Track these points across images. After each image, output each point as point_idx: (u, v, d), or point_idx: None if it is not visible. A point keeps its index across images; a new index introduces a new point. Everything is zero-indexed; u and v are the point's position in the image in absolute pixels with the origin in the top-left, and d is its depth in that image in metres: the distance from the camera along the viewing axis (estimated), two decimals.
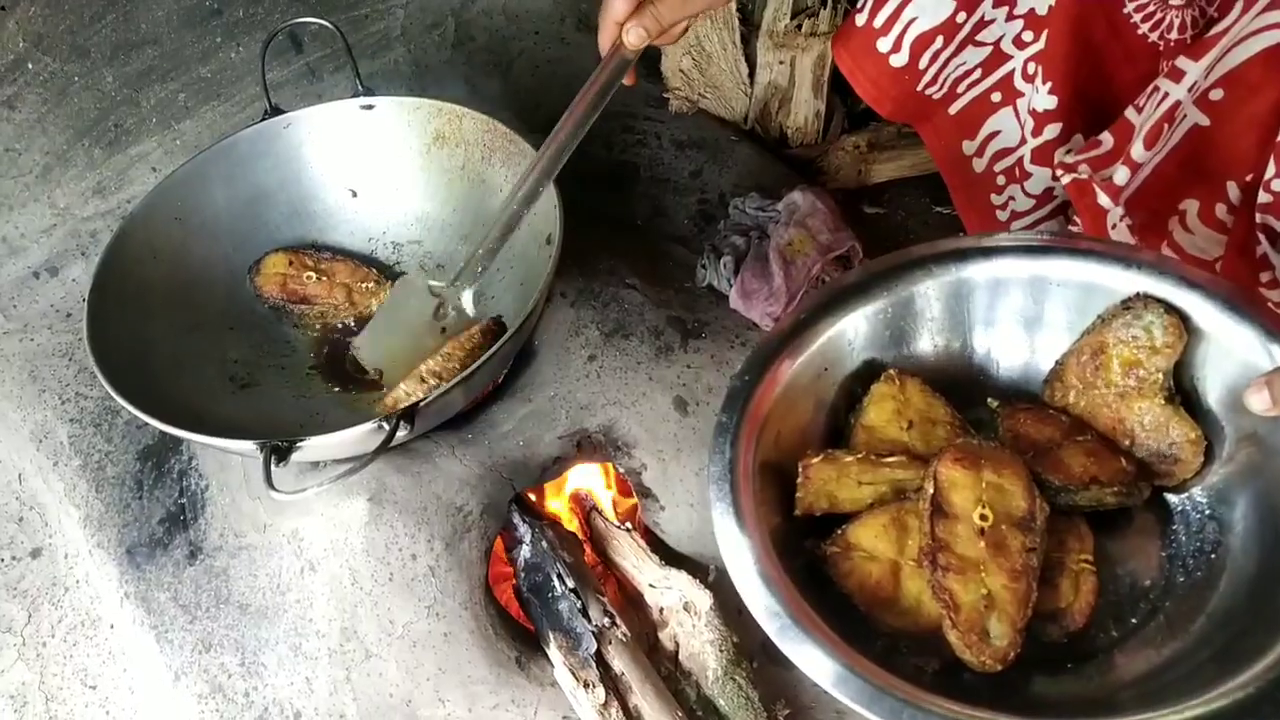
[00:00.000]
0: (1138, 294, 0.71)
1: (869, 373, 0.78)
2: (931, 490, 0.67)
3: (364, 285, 1.03)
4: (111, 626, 1.00)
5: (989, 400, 0.78)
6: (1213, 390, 0.70)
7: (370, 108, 1.05)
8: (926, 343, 0.80)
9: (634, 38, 0.80)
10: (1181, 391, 0.71)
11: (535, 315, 0.89)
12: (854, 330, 0.78)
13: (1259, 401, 0.62)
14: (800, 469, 0.71)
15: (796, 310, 0.79)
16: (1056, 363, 0.76)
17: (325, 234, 1.08)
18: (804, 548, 0.70)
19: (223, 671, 0.89)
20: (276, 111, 1.05)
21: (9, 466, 1.09)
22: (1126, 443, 0.71)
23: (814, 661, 0.59)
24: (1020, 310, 0.78)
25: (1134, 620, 0.67)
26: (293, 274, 1.02)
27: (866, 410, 0.77)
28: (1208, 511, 0.69)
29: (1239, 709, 0.53)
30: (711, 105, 1.35)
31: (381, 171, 1.08)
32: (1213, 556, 0.66)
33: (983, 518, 0.65)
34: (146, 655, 0.93)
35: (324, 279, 1.02)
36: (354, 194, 1.09)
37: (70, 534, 1.04)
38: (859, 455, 0.72)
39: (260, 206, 1.05)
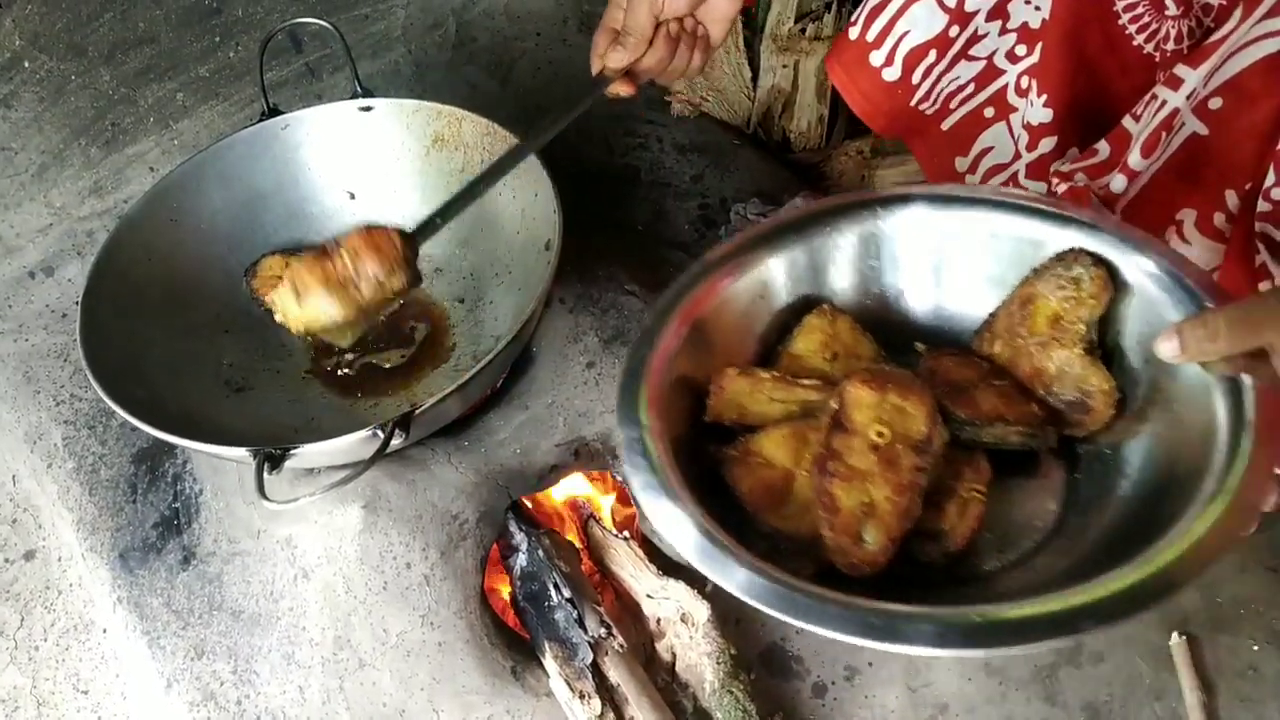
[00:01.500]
0: (1071, 248, 0.73)
1: (804, 307, 0.80)
2: (835, 406, 0.69)
3: None
4: (104, 631, 0.99)
5: (916, 345, 0.79)
6: (1133, 345, 0.71)
7: (369, 109, 1.04)
8: (863, 285, 0.81)
9: (613, 60, 0.84)
10: (1106, 346, 0.73)
11: (533, 321, 0.88)
12: (794, 264, 0.79)
13: (1168, 349, 0.62)
14: (715, 379, 0.74)
15: (739, 238, 0.80)
16: (990, 314, 0.78)
17: (323, 236, 1.07)
18: (706, 453, 0.73)
19: (215, 679, 0.88)
20: (275, 112, 1.04)
21: (2, 468, 1.08)
22: (1043, 391, 0.73)
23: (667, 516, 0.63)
24: (959, 262, 0.79)
25: (1018, 555, 0.69)
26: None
27: (795, 339, 0.78)
28: (1111, 461, 0.70)
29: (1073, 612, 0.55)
30: (714, 109, 1.34)
31: (380, 174, 1.07)
32: (1105, 501, 0.68)
33: (879, 434, 0.67)
34: (139, 661, 0.92)
35: None
36: (352, 196, 1.08)
37: (63, 537, 1.03)
38: (775, 374, 0.74)
39: (257, 208, 1.04)
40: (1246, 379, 0.61)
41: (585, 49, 1.12)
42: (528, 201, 0.97)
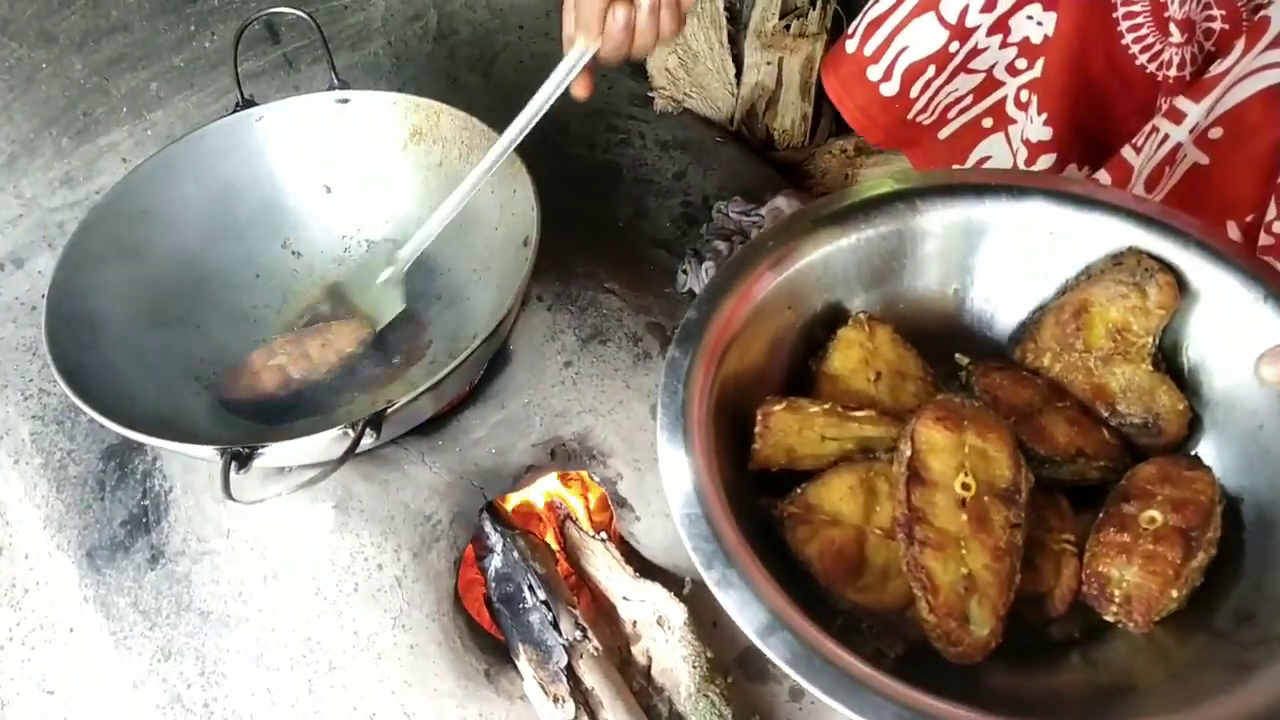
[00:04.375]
0: (1129, 248, 0.66)
1: (832, 317, 0.72)
2: (909, 452, 0.60)
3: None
4: (70, 630, 0.97)
5: (957, 356, 0.73)
6: (1199, 356, 0.65)
7: (346, 102, 1.02)
8: (899, 287, 0.73)
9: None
10: (1161, 356, 0.66)
11: (510, 319, 0.86)
12: (824, 266, 0.70)
13: (1273, 373, 0.57)
14: (759, 417, 0.64)
15: (762, 236, 0.71)
16: (1029, 320, 0.71)
17: (297, 230, 1.05)
18: (758, 507, 0.63)
19: (182, 681, 0.87)
20: (249, 103, 1.02)
21: None
22: (1106, 412, 0.66)
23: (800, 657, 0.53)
24: (1000, 257, 0.71)
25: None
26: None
27: (831, 357, 0.70)
28: None
29: None
30: (697, 105, 1.33)
31: (357, 167, 1.05)
32: None
33: (964, 487, 0.59)
34: (105, 662, 0.91)
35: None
36: (328, 190, 1.06)
37: (30, 534, 1.01)
38: (825, 406, 0.65)
39: (231, 201, 1.02)
40: None
41: None
42: (506, 197, 0.96)
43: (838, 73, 0.96)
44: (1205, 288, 0.64)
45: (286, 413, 0.91)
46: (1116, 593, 0.59)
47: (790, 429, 0.64)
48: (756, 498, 0.64)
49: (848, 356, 0.70)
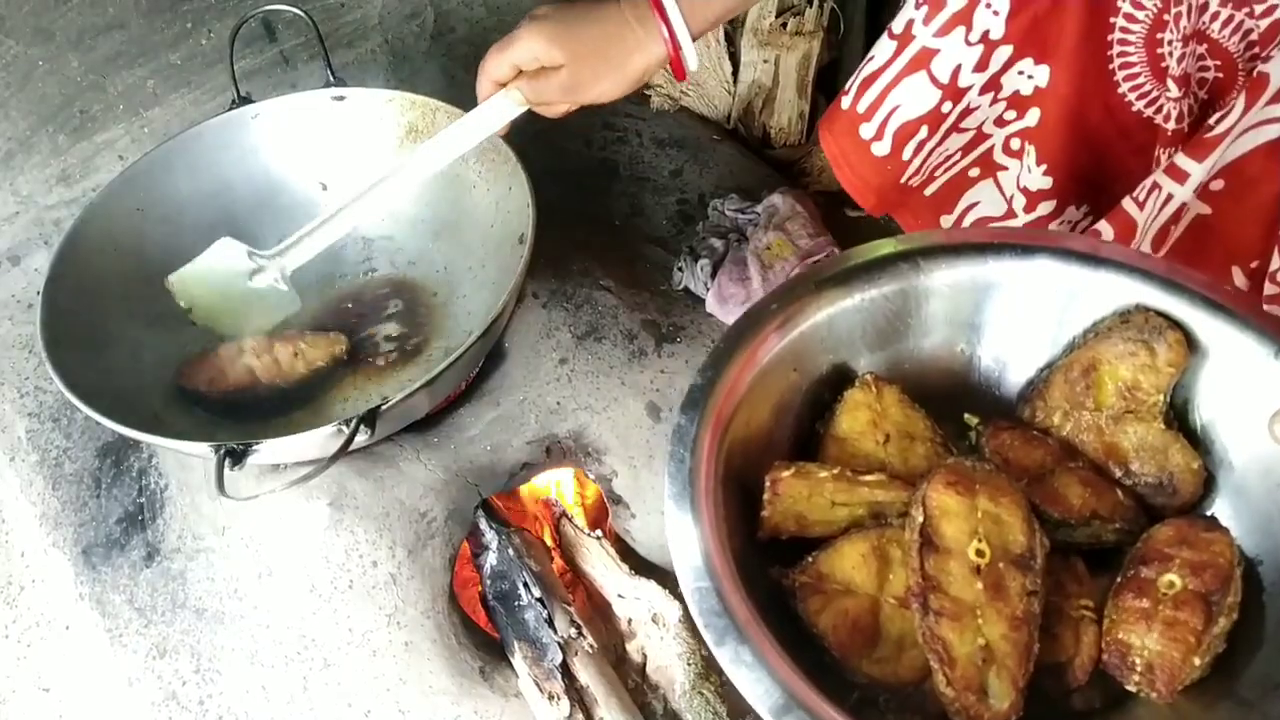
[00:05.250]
0: (1136, 306, 0.66)
1: (838, 378, 0.71)
2: (920, 518, 0.59)
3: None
4: (66, 628, 0.97)
5: (966, 416, 0.72)
6: (1211, 414, 0.64)
7: (341, 99, 1.02)
8: (905, 347, 0.72)
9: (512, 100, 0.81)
10: (1173, 414, 0.66)
11: (505, 316, 0.86)
12: (829, 327, 0.69)
13: None
14: (768, 483, 0.63)
15: (766, 299, 0.69)
16: (1037, 379, 0.71)
17: (293, 227, 1.05)
18: (768, 577, 0.62)
19: (177, 678, 0.87)
20: (245, 101, 1.02)
21: None
22: (1119, 472, 0.65)
23: None
24: (1007, 316, 0.71)
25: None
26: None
27: (838, 419, 0.69)
28: None
29: None
30: (694, 103, 1.33)
31: (353, 164, 1.04)
32: None
33: (979, 553, 0.57)
34: (101, 659, 0.91)
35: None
36: (324, 187, 1.06)
37: (26, 531, 1.01)
38: (834, 471, 0.64)
39: (225, 199, 1.02)
40: None
41: None
42: (502, 194, 0.96)
43: (832, 129, 0.94)
44: (1215, 345, 0.64)
45: (247, 410, 0.90)
46: (1138, 661, 0.58)
47: (800, 495, 0.64)
48: (767, 566, 0.63)
49: (855, 418, 0.69)
